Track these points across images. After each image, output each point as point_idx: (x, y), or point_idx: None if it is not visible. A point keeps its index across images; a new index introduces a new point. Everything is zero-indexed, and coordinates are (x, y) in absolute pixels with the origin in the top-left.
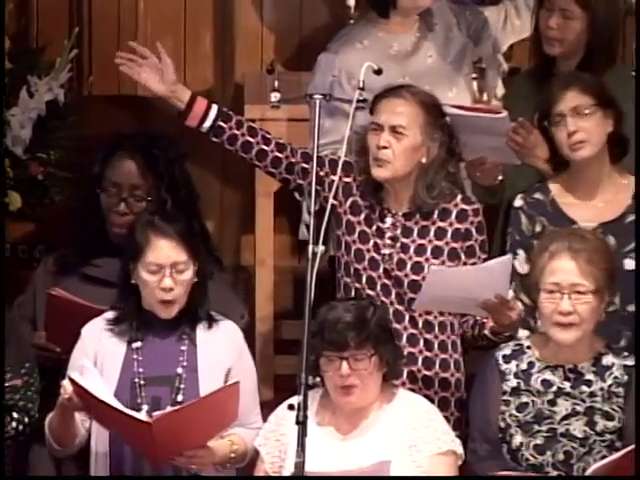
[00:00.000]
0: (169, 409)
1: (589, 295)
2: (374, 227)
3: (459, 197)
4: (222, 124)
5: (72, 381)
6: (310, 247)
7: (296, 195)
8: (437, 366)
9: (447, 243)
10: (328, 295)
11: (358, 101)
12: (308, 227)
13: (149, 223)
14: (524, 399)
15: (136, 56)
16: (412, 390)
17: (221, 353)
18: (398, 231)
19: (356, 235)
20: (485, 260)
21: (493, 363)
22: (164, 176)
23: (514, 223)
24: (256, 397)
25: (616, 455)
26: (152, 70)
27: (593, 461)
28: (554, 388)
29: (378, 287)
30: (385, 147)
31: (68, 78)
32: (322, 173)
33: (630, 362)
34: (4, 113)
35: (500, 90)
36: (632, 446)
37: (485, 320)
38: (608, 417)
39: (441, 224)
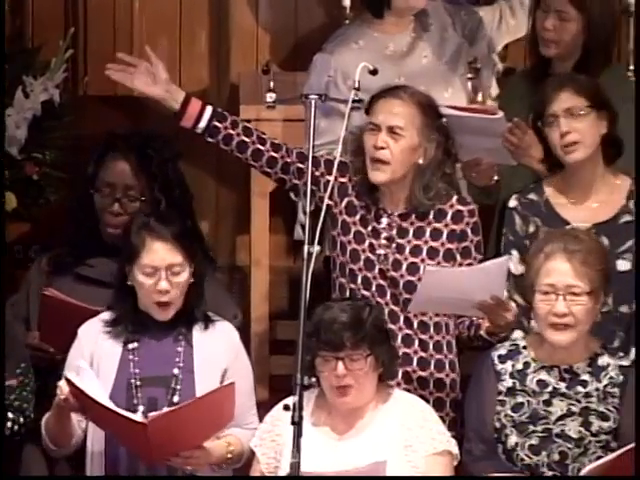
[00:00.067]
0: (164, 410)
1: (584, 296)
2: (369, 227)
3: (455, 198)
4: (217, 124)
5: (68, 381)
6: (305, 247)
7: (292, 195)
8: (432, 366)
9: (443, 244)
10: (323, 295)
11: (354, 101)
12: (303, 227)
13: (144, 225)
14: (519, 399)
15: (127, 65)
16: (407, 390)
17: (217, 354)
18: (394, 232)
19: (351, 235)
20: (481, 261)
21: (489, 363)
22: (158, 176)
23: (508, 223)
24: (252, 397)
25: (611, 456)
26: (144, 74)
27: (588, 462)
28: (549, 388)
29: (373, 287)
30: (382, 148)
31: (63, 78)
32: (317, 173)
33: (626, 362)
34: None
35: (494, 90)
36: (627, 447)
37: (481, 321)
38: (603, 418)
39: (437, 225)
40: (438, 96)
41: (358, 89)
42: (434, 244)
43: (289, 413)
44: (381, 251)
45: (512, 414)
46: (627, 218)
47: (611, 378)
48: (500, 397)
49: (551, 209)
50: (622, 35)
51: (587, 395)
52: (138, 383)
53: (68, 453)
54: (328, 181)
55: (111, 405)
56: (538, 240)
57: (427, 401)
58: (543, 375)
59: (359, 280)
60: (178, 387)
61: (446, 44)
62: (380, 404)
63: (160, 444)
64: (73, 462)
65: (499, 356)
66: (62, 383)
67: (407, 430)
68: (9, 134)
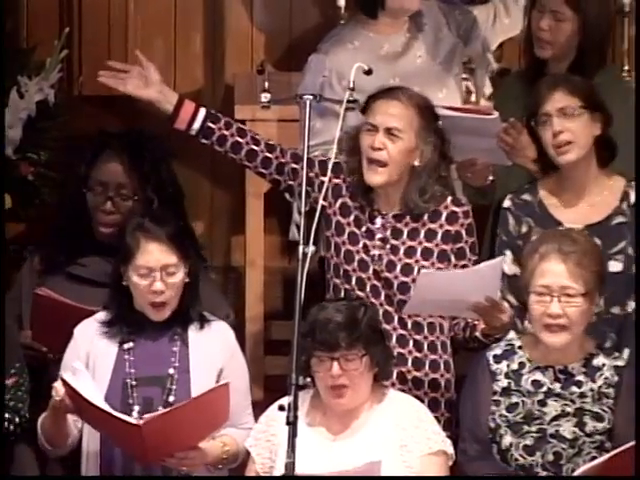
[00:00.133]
0: (159, 411)
1: (579, 298)
2: (364, 228)
3: (449, 199)
4: (211, 125)
5: (64, 382)
6: (300, 248)
7: (286, 196)
8: (427, 367)
9: (437, 245)
10: (318, 296)
11: (348, 102)
12: (299, 228)
13: (139, 226)
14: (514, 399)
15: (118, 71)
16: (402, 391)
17: (213, 354)
18: (388, 232)
19: (346, 236)
20: (475, 262)
21: (484, 363)
22: (150, 175)
23: (502, 224)
24: (248, 397)
25: (606, 456)
26: (136, 78)
27: (582, 462)
28: (544, 389)
29: (368, 288)
30: (380, 149)
31: (58, 78)
32: (312, 174)
33: (620, 363)
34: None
35: (488, 89)
36: (622, 447)
37: (476, 322)
38: (598, 418)
39: (431, 226)
40: (432, 96)
41: (353, 89)
42: (428, 245)
43: (284, 413)
44: (375, 252)
45: (507, 414)
46: (620, 219)
47: (606, 379)
48: (495, 397)
49: (544, 210)
50: (617, 36)
51: (582, 395)
52: (134, 383)
53: (64, 453)
54: (322, 182)
55: (106, 407)
56: (533, 241)
57: (422, 401)
58: (538, 375)
59: (353, 281)
60: (174, 387)
61: (440, 44)
62: (375, 404)
63: (155, 445)
64: (66, 462)
65: (494, 356)
66: (57, 384)
67: (402, 430)
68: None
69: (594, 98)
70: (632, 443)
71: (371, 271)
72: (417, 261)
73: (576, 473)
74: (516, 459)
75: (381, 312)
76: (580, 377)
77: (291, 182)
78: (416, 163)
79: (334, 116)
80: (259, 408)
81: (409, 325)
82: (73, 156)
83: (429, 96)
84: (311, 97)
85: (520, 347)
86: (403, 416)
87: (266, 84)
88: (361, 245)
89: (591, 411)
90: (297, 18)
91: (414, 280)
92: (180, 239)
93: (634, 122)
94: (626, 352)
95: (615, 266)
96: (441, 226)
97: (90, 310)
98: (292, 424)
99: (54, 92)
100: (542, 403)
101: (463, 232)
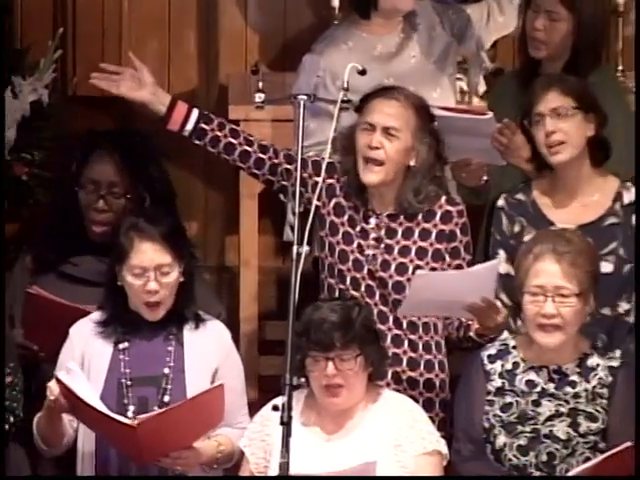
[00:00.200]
0: (153, 412)
1: (573, 298)
2: (358, 228)
3: (443, 198)
4: (204, 126)
5: (58, 381)
6: (295, 248)
7: (281, 196)
8: (422, 367)
9: (431, 244)
10: (312, 296)
11: (342, 102)
12: (292, 228)
13: (133, 226)
14: (508, 399)
15: (111, 73)
16: (397, 391)
17: (208, 353)
18: (382, 232)
19: (340, 236)
20: (470, 261)
21: (478, 363)
22: (142, 173)
23: (495, 223)
24: (244, 397)
25: (601, 457)
26: (129, 80)
27: (576, 462)
28: (538, 389)
29: (362, 288)
30: (377, 148)
31: (52, 79)
32: (305, 174)
33: (615, 363)
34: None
35: (482, 87)
36: (617, 449)
37: (470, 322)
38: (591, 418)
39: (425, 225)
40: (427, 96)
41: (347, 89)
42: (423, 244)
43: (278, 413)
44: (370, 252)
45: (501, 414)
46: (612, 220)
47: (600, 379)
48: (489, 397)
49: (537, 209)
50: (611, 36)
51: (576, 396)
52: (129, 383)
53: (60, 453)
54: (316, 182)
55: (100, 407)
56: (527, 241)
57: (417, 401)
58: (532, 375)
59: (348, 281)
60: (169, 387)
61: (434, 43)
62: (370, 404)
63: (150, 446)
64: (59, 462)
65: (489, 356)
66: (52, 384)
67: (397, 430)
68: None
69: (588, 98)
70: (627, 444)
71: (365, 271)
72: (412, 260)
73: (570, 474)
74: (510, 459)
75: (376, 312)
76: (574, 377)
77: (284, 183)
78: (412, 163)
79: (328, 116)
80: (253, 408)
81: (404, 325)
82: (66, 156)
83: (423, 96)
84: (305, 97)
85: (514, 347)
86: (398, 416)
87: (260, 84)
88: (355, 245)
89: (585, 411)
90: (291, 18)
91: (409, 279)
92: (174, 239)
93: (634, 122)
94: (617, 353)
95: (606, 267)
96: (435, 225)
97: (82, 309)
98: (286, 424)
99: (48, 92)
100: (536, 403)
101: (457, 231)
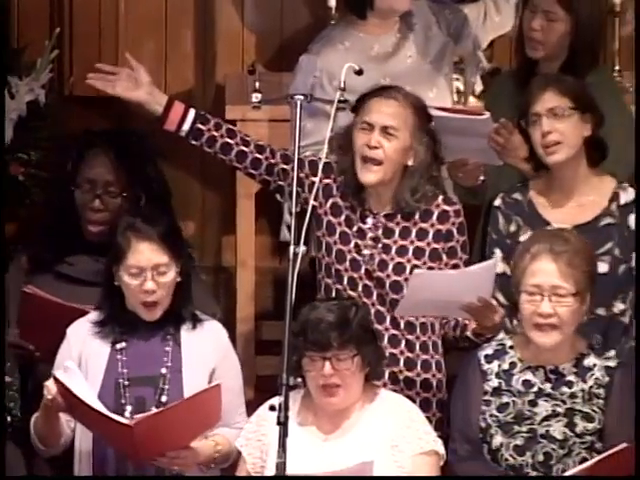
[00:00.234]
0: (150, 412)
1: (569, 298)
2: (355, 228)
3: (440, 198)
4: (200, 126)
5: (56, 380)
6: (291, 248)
7: (277, 196)
8: (419, 367)
9: (429, 244)
10: (309, 296)
11: (339, 102)
12: (289, 228)
13: (130, 226)
14: (505, 399)
15: (107, 74)
16: (394, 391)
17: (205, 353)
18: (379, 232)
19: (337, 236)
20: (466, 261)
21: (475, 363)
22: (138, 172)
23: (492, 222)
24: (241, 397)
25: (598, 458)
26: (125, 80)
27: (572, 463)
28: (535, 389)
29: (359, 288)
30: (376, 147)
31: (49, 78)
32: (302, 174)
33: (611, 363)
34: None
35: (479, 87)
36: (613, 450)
37: (467, 322)
38: (588, 419)
39: (423, 225)
40: (423, 96)
41: (344, 89)
42: (420, 244)
43: (275, 413)
44: (367, 251)
45: (497, 414)
46: (608, 221)
47: (597, 379)
48: (486, 397)
49: (533, 209)
50: (607, 36)
51: (572, 396)
52: (126, 383)
53: (57, 453)
54: (313, 182)
55: (97, 406)
56: (525, 240)
57: (414, 401)
58: (529, 375)
59: (345, 281)
60: (166, 387)
61: (430, 43)
62: (367, 404)
63: (146, 445)
64: (55, 462)
65: (485, 356)
66: (49, 383)
67: (394, 430)
68: None
69: (585, 99)
70: (623, 445)
71: (363, 271)
72: (409, 260)
73: (566, 474)
74: (506, 459)
75: (373, 312)
76: (571, 377)
77: (281, 183)
78: (409, 163)
79: (325, 117)
80: (250, 408)
81: (402, 325)
82: (63, 156)
83: (420, 96)
84: (302, 97)
85: (511, 347)
86: (395, 416)
87: (257, 84)
88: (352, 245)
89: (581, 411)
90: (288, 19)
91: (406, 279)
92: (172, 239)
93: (632, 122)
94: (611, 353)
95: (601, 267)
96: (432, 225)
97: (78, 308)
98: (283, 424)
99: (45, 92)
100: (533, 403)
101: (454, 231)
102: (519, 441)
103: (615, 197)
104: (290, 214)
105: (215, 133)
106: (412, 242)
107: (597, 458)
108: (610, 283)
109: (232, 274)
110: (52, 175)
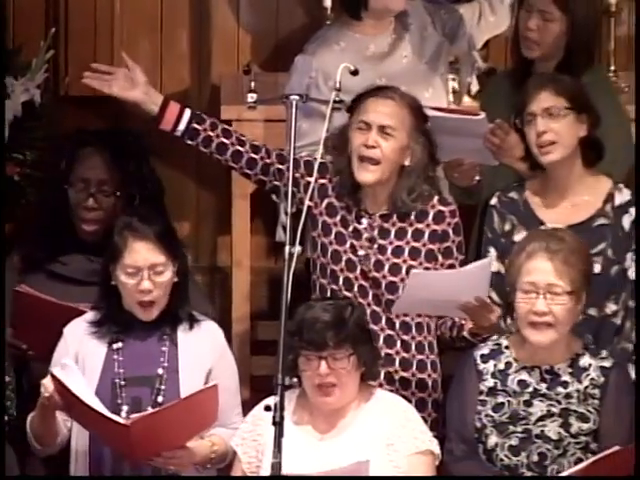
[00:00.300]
0: (147, 412)
1: (564, 296)
2: (350, 228)
3: (436, 198)
4: (196, 126)
5: (53, 377)
6: (287, 248)
7: (273, 197)
8: (414, 367)
9: (424, 244)
10: (304, 297)
11: (335, 102)
12: (285, 229)
13: (127, 225)
14: (500, 399)
15: (103, 73)
16: (390, 391)
17: (202, 354)
18: (375, 232)
19: (332, 236)
20: (462, 261)
21: (471, 362)
22: (131, 171)
23: (488, 221)
24: (237, 397)
25: (594, 458)
26: (122, 79)
27: (567, 463)
28: (530, 389)
29: (355, 288)
30: (373, 147)
31: (44, 79)
32: (297, 174)
33: (607, 364)
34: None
35: (475, 86)
36: (608, 450)
37: (463, 322)
38: (583, 419)
39: (418, 225)
40: (419, 96)
41: (339, 90)
42: (416, 244)
43: (271, 412)
44: (362, 252)
45: (492, 414)
46: (601, 221)
47: (592, 379)
48: (481, 397)
49: (528, 208)
50: (603, 36)
51: (567, 396)
52: (122, 383)
53: (53, 452)
54: (308, 182)
55: (94, 404)
56: (521, 239)
57: (409, 401)
58: (524, 375)
59: (341, 281)
60: (162, 387)
61: (426, 43)
62: (362, 403)
63: (143, 445)
64: (51, 461)
65: (481, 355)
66: (46, 381)
67: (389, 429)
68: None
69: (581, 99)
70: (616, 448)
71: (358, 271)
72: (405, 261)
73: (562, 475)
74: (501, 459)
75: (369, 312)
76: (566, 377)
77: (276, 183)
78: (406, 163)
79: (320, 117)
80: (246, 408)
81: (397, 325)
82: (57, 155)
83: (416, 96)
84: (297, 97)
85: (507, 347)
86: (390, 415)
87: (252, 84)
88: (348, 245)
89: (576, 412)
90: (283, 19)
91: (402, 280)
92: (168, 238)
93: (627, 122)
94: (604, 353)
95: (594, 268)
96: (428, 226)
97: (71, 307)
98: (278, 424)
99: (40, 92)
100: (528, 403)
101: (450, 231)
102: (514, 441)
103: (610, 198)
104: (286, 214)
105: (211, 133)
106: (408, 243)
107: (592, 459)
108: (602, 284)
109: (227, 274)
110: (46, 174)
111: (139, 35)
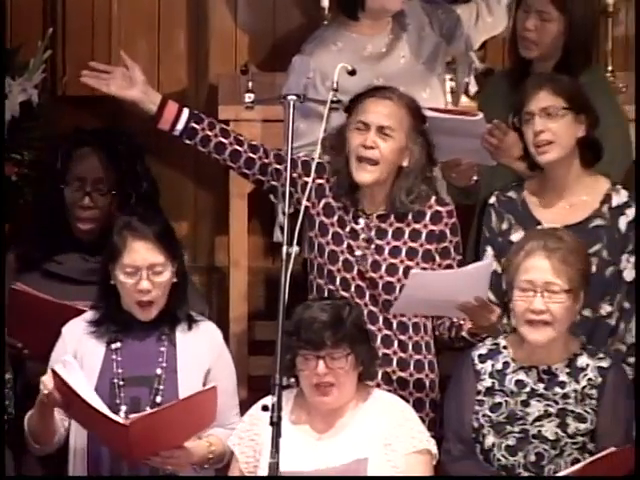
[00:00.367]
0: (145, 412)
1: (562, 294)
2: (347, 228)
3: (433, 199)
4: (194, 126)
5: (54, 374)
6: (284, 248)
7: (270, 197)
8: (412, 367)
9: (422, 245)
10: (301, 297)
11: (332, 102)
12: (282, 229)
13: (126, 225)
14: (497, 399)
15: (101, 72)
16: (387, 391)
17: (200, 354)
18: (372, 232)
19: (330, 236)
20: (460, 261)
21: (469, 362)
22: (127, 170)
23: (486, 220)
24: (235, 398)
25: (591, 459)
26: (120, 78)
27: (564, 463)
28: (527, 389)
29: (352, 289)
30: (372, 147)
31: (42, 79)
32: (295, 175)
33: (605, 364)
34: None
35: (473, 87)
36: (605, 451)
37: (462, 322)
38: (580, 419)
39: (415, 226)
40: (417, 96)
41: (337, 90)
42: (413, 245)
43: (268, 412)
44: (359, 252)
45: (490, 414)
46: (598, 222)
47: (590, 380)
48: (479, 397)
49: (526, 208)
50: (600, 36)
51: (565, 396)
52: (121, 383)
53: (51, 451)
54: (306, 183)
55: (94, 402)
56: (520, 239)
57: (407, 401)
58: (522, 375)
59: (338, 281)
60: (161, 387)
61: (424, 43)
62: (360, 403)
63: (141, 445)
64: (49, 461)
65: (479, 355)
66: (46, 378)
67: (387, 429)
68: None
69: (579, 99)
70: (612, 449)
71: (355, 271)
72: (402, 261)
73: (559, 474)
74: (498, 459)
75: (366, 312)
76: (563, 378)
77: (274, 182)
78: (404, 163)
79: (318, 117)
80: (243, 408)
81: (394, 326)
82: (53, 155)
83: (413, 96)
84: (295, 98)
85: (505, 347)
86: (388, 415)
87: (250, 84)
88: (345, 245)
89: (574, 412)
90: (281, 19)
91: (399, 280)
92: (168, 239)
93: (626, 122)
94: (601, 354)
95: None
96: (425, 226)
97: (66, 305)
98: (276, 424)
99: (38, 92)
100: (525, 403)
101: (447, 232)
102: (511, 441)
103: (607, 199)
104: (283, 214)
105: (209, 132)
106: (405, 243)
107: (590, 459)
108: (597, 285)
109: (225, 274)
110: (42, 174)
111: (137, 35)
